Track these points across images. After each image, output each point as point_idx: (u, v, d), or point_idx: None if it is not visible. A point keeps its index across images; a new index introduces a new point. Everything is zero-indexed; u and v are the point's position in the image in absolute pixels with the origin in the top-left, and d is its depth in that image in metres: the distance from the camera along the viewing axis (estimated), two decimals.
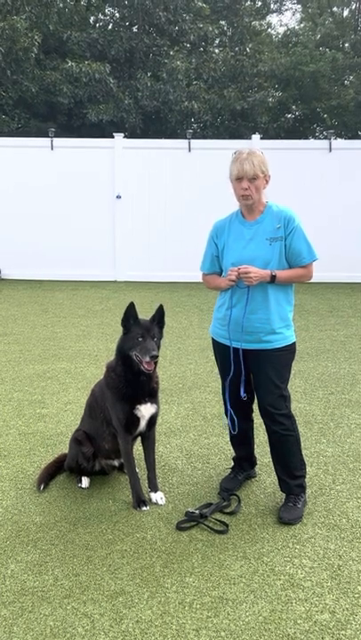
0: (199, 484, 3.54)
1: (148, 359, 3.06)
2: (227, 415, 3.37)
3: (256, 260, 3.04)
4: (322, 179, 11.30)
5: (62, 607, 2.49)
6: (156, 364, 3.17)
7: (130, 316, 3.17)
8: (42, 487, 3.44)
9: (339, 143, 11.97)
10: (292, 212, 3.09)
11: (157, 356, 3.07)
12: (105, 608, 2.48)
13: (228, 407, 3.29)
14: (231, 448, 3.63)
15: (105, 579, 2.67)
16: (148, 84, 14.78)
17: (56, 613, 2.45)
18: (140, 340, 3.10)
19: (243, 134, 15.84)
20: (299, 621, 2.41)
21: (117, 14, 16.74)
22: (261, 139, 11.93)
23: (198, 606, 2.50)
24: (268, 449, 3.35)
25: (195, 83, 15.72)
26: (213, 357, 3.46)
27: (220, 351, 3.29)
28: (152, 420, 3.33)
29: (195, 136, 12.05)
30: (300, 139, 16.45)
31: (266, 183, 3.06)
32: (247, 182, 2.99)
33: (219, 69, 15.78)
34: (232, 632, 2.35)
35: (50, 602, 2.52)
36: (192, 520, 3.10)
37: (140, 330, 3.13)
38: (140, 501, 3.26)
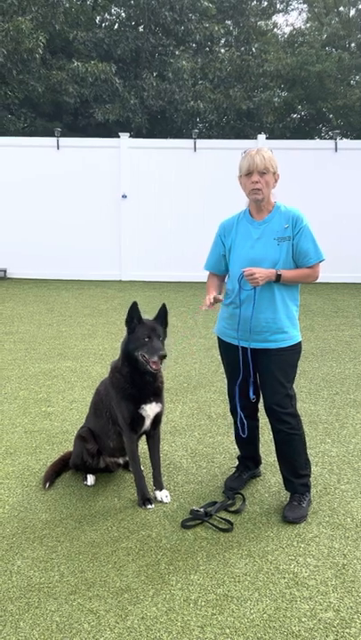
0: (204, 483, 3.56)
1: (155, 359, 3.06)
2: (235, 415, 3.38)
3: (264, 260, 3.04)
4: (327, 179, 11.30)
5: (68, 603, 2.51)
6: (162, 363, 3.18)
7: (134, 315, 3.18)
8: (47, 485, 3.46)
9: (345, 143, 11.96)
10: (300, 213, 3.10)
11: (165, 356, 3.08)
12: (110, 604, 2.50)
13: (239, 410, 3.29)
14: (236, 447, 3.64)
15: (110, 575, 2.69)
16: (154, 84, 14.81)
17: (62, 609, 2.47)
18: (146, 340, 3.11)
19: (248, 134, 15.85)
20: (303, 619, 2.42)
21: (123, 14, 16.77)
22: (267, 139, 11.94)
23: (203, 603, 2.51)
24: (273, 448, 3.36)
25: (200, 82, 15.73)
26: (219, 357, 3.47)
27: (227, 350, 3.30)
28: (157, 419, 3.35)
29: (200, 136, 12.09)
30: (305, 139, 16.44)
31: (275, 182, 3.07)
32: (257, 176, 3.00)
33: (224, 69, 15.80)
34: (237, 629, 2.36)
35: (56, 598, 2.54)
36: (197, 518, 3.12)
37: (146, 330, 3.13)
38: (145, 499, 3.27)
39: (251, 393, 3.21)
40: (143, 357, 3.12)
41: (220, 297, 3.12)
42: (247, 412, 3.33)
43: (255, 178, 3.00)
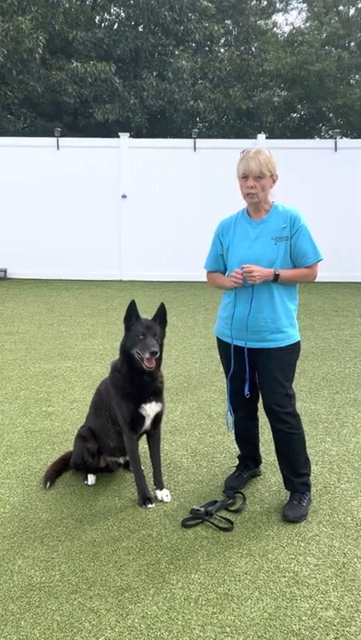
0: (204, 482, 3.56)
1: (147, 355, 3.07)
2: (234, 414, 3.38)
3: (261, 260, 3.05)
4: (327, 178, 11.30)
5: (69, 602, 2.52)
6: (159, 361, 3.18)
7: (131, 314, 3.20)
8: (48, 485, 3.47)
9: (344, 142, 11.96)
10: (297, 212, 3.10)
11: (157, 352, 3.08)
12: (111, 604, 2.51)
13: (229, 404, 3.31)
14: (236, 446, 3.64)
15: (111, 575, 2.69)
16: (154, 84, 14.82)
17: (63, 608, 2.48)
18: (140, 337, 3.13)
19: (248, 134, 15.86)
20: (303, 618, 2.43)
21: (123, 14, 16.78)
22: (267, 138, 11.94)
23: (204, 602, 2.52)
24: (273, 447, 3.37)
25: (200, 82, 15.74)
26: (218, 356, 3.47)
27: (225, 350, 3.30)
28: (157, 419, 3.35)
29: (200, 135, 12.11)
30: (305, 138, 16.44)
31: (273, 183, 3.08)
32: (253, 180, 3.01)
33: (224, 69, 15.81)
34: (237, 628, 2.37)
35: (57, 597, 2.55)
36: (197, 517, 3.12)
37: (141, 328, 3.15)
38: (145, 499, 3.28)
39: (246, 389, 3.21)
40: (138, 355, 3.13)
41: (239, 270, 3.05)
42: (245, 410, 3.34)
43: (250, 183, 3.01)
